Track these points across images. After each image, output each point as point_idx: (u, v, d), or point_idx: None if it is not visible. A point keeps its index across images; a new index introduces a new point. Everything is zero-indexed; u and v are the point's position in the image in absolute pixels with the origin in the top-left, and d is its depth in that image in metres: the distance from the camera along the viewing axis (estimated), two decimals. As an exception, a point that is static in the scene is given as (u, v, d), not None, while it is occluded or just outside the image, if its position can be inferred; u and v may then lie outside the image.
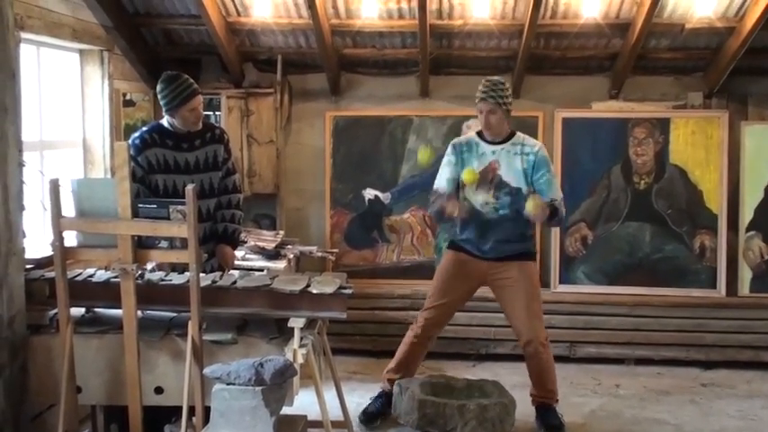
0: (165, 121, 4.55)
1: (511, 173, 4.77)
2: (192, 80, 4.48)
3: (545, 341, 4.83)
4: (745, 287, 6.39)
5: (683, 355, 6.26)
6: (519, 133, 4.90)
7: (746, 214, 6.41)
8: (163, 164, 4.50)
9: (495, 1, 5.93)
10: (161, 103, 4.49)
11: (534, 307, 4.82)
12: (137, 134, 4.59)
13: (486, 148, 4.82)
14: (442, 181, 4.87)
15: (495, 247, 4.80)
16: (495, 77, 4.81)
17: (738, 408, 5.47)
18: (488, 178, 4.76)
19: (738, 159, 6.43)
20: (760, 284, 6.38)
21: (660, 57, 6.51)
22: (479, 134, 4.90)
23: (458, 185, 4.82)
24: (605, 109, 6.62)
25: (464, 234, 4.88)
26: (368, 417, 4.99)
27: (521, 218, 4.74)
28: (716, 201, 6.43)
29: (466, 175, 4.67)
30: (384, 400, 5.01)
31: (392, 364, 5.03)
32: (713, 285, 6.40)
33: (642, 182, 6.51)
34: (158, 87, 4.47)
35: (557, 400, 4.95)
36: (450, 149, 4.90)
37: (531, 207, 4.56)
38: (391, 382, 4.94)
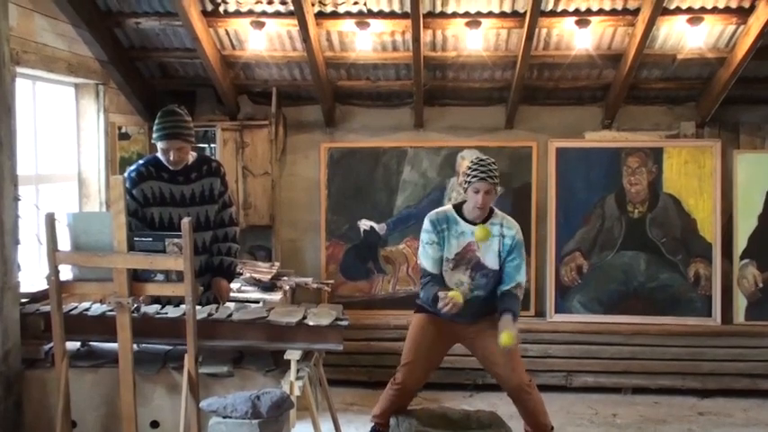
0: (159, 154, 4.56)
1: (489, 255, 4.63)
2: (180, 123, 4.44)
3: (530, 383, 4.75)
4: (740, 315, 6.40)
5: (679, 384, 6.25)
6: (497, 211, 4.74)
7: (740, 242, 6.43)
8: (158, 196, 4.50)
9: (488, 33, 5.99)
10: None
11: (512, 354, 4.74)
12: (133, 167, 4.61)
13: (465, 227, 4.63)
14: (429, 262, 4.65)
15: (466, 319, 4.73)
16: (486, 156, 4.68)
17: (736, 437, 5.46)
18: (466, 259, 4.63)
19: (731, 188, 6.46)
20: (755, 312, 6.38)
21: (652, 87, 6.57)
22: (457, 209, 4.71)
23: (442, 264, 4.67)
24: (599, 139, 6.66)
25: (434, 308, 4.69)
26: None
27: (493, 294, 4.67)
28: (710, 229, 6.46)
29: (479, 233, 4.54)
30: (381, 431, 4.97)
31: (377, 410, 4.89)
32: (708, 314, 6.41)
33: (636, 211, 6.53)
34: None
35: (552, 429, 4.92)
36: (429, 226, 4.65)
37: (506, 340, 4.40)
38: (380, 425, 4.88)
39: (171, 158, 4.46)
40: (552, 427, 4.91)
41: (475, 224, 4.63)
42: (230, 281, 4.83)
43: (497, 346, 4.59)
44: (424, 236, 4.70)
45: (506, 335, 4.36)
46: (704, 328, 6.35)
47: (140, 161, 4.68)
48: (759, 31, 5.60)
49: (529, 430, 4.87)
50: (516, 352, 4.73)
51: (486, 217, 4.66)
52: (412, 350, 4.75)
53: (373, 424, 4.97)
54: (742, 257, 6.43)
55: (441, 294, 4.41)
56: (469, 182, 4.57)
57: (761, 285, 6.41)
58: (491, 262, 4.63)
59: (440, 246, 4.63)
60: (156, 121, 4.46)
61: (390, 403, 4.83)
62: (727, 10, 5.71)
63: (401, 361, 4.81)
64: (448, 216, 4.67)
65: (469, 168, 4.59)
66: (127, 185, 4.17)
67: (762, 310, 6.38)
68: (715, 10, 5.71)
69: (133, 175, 4.49)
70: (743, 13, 5.70)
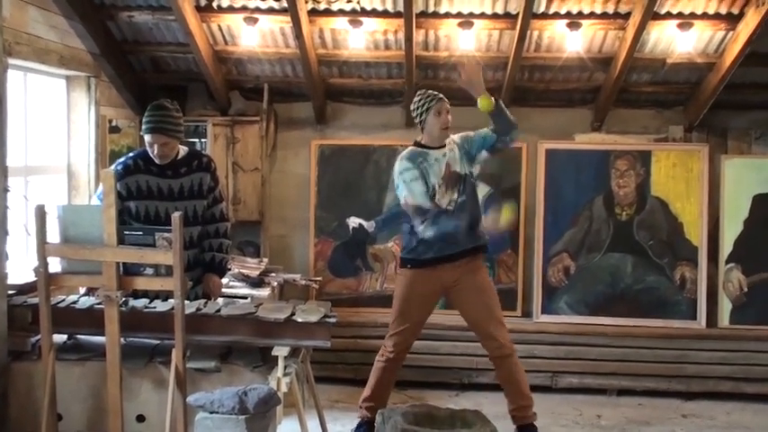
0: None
1: (458, 165, 4.85)
2: (166, 118, 4.42)
3: (509, 343, 4.86)
4: (725, 319, 6.45)
5: (664, 386, 6.28)
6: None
7: (726, 246, 6.48)
8: (145, 190, 4.49)
9: (480, 34, 6.01)
10: None
11: (496, 314, 4.88)
12: (121, 160, 4.60)
13: (435, 153, 4.88)
14: (422, 198, 4.81)
15: (459, 241, 4.83)
16: (423, 89, 5.00)
17: (718, 439, 5.50)
18: (451, 178, 4.83)
19: (718, 192, 6.50)
20: (740, 316, 6.43)
21: (642, 90, 6.61)
22: (419, 144, 4.95)
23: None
24: (588, 141, 6.69)
25: (427, 234, 4.83)
26: None
27: (473, 200, 4.91)
28: (696, 233, 6.50)
29: (483, 103, 4.73)
30: (365, 429, 4.99)
31: (367, 392, 5.00)
32: (694, 317, 6.45)
33: (624, 213, 6.57)
34: None
35: (535, 413, 4.94)
36: (408, 164, 4.86)
37: (482, 105, 4.73)
38: (369, 410, 4.93)
39: (155, 152, 4.45)
40: (535, 413, 4.94)
41: (438, 148, 4.89)
42: (222, 277, 4.83)
43: (485, 309, 4.78)
44: (406, 174, 4.88)
45: (482, 99, 4.71)
46: (689, 331, 6.38)
47: (129, 154, 4.68)
48: (747, 37, 5.65)
49: (513, 409, 4.92)
50: (498, 313, 4.89)
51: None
52: (403, 315, 4.90)
53: (359, 419, 5.00)
54: (727, 261, 6.48)
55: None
56: (428, 107, 4.87)
57: (746, 289, 6.45)
58: (462, 168, 4.87)
59: (423, 180, 4.83)
60: (145, 114, 4.45)
61: (381, 377, 4.91)
62: (716, 16, 5.75)
63: (391, 328, 4.91)
64: (417, 152, 4.92)
65: (420, 100, 4.91)
66: None
67: (746, 313, 6.43)
68: (705, 16, 5.75)
69: (120, 168, 4.47)
70: (732, 20, 5.75)
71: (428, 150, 4.89)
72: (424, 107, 4.86)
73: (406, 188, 4.86)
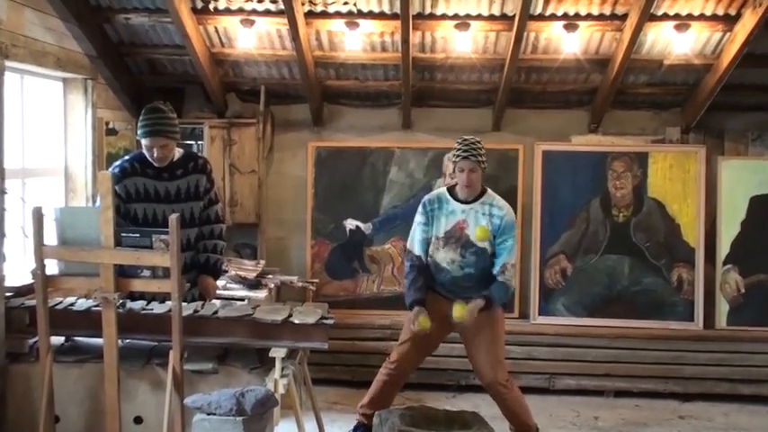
0: (144, 151, 4.55)
1: (478, 235, 4.73)
2: (163, 120, 4.43)
3: (506, 382, 4.81)
4: (722, 320, 6.45)
5: (661, 388, 6.29)
6: (489, 191, 4.86)
7: (723, 248, 6.48)
8: (143, 193, 4.49)
9: (477, 36, 6.01)
10: None
11: (495, 350, 4.81)
12: (117, 163, 4.60)
13: (455, 206, 4.79)
14: (414, 243, 4.84)
15: (463, 293, 4.81)
16: (472, 137, 4.78)
17: (716, 440, 5.51)
18: (456, 237, 4.74)
19: (715, 193, 6.51)
20: (737, 317, 6.44)
21: (639, 92, 6.62)
22: (450, 190, 4.87)
23: (428, 245, 4.81)
24: (585, 142, 6.69)
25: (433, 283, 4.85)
26: None
27: (485, 274, 4.77)
28: (693, 234, 6.50)
29: (458, 310, 4.60)
30: (363, 430, 4.99)
31: (366, 399, 4.98)
32: (691, 318, 6.45)
33: (621, 215, 6.57)
34: None
35: (537, 430, 4.96)
36: (420, 207, 4.86)
37: (457, 313, 4.59)
38: (366, 417, 4.92)
39: (155, 155, 4.46)
40: (537, 429, 4.95)
41: (466, 203, 4.78)
42: (217, 278, 4.83)
43: (483, 345, 4.68)
44: (416, 216, 4.90)
45: (458, 307, 4.57)
46: (686, 333, 6.39)
47: (126, 157, 4.68)
48: (745, 38, 5.65)
49: (513, 429, 4.91)
50: (497, 352, 4.79)
51: (478, 196, 4.80)
52: (410, 330, 4.81)
53: (357, 422, 5.00)
54: (725, 263, 6.48)
55: (412, 316, 4.66)
56: (455, 161, 4.74)
57: (743, 291, 6.45)
58: (485, 244, 4.73)
59: (427, 227, 4.80)
60: (141, 118, 4.46)
61: (381, 388, 4.89)
62: (713, 17, 5.75)
63: (400, 339, 4.89)
64: (440, 197, 4.86)
65: (455, 148, 4.75)
66: None
67: (743, 315, 6.43)
68: (702, 17, 5.75)
69: (116, 171, 4.48)
70: (729, 21, 5.75)
71: (451, 200, 4.81)
72: (454, 158, 4.75)
73: (413, 229, 4.90)
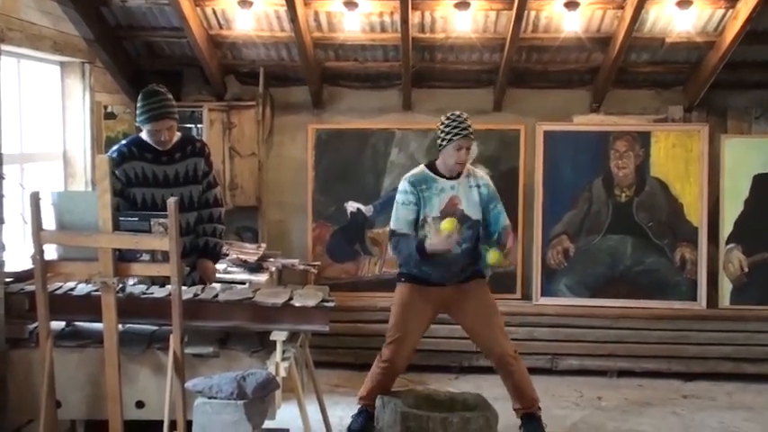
0: (144, 135, 4.52)
1: (471, 206, 4.74)
2: (166, 102, 4.41)
3: (514, 353, 4.83)
4: (725, 299, 6.43)
5: (664, 367, 6.28)
6: (468, 165, 4.86)
7: (726, 227, 6.46)
8: (141, 177, 4.47)
9: (476, 15, 5.96)
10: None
11: (496, 321, 4.83)
12: (115, 147, 4.57)
13: (443, 183, 4.74)
14: (402, 223, 4.73)
15: (454, 277, 4.78)
16: (458, 112, 4.73)
17: (720, 419, 5.49)
18: (450, 213, 4.68)
19: (718, 172, 6.47)
20: (740, 296, 6.42)
21: (641, 71, 6.57)
22: (430, 167, 4.81)
23: (416, 224, 4.74)
24: (586, 122, 6.65)
25: (422, 268, 4.77)
26: None
27: (475, 248, 4.78)
28: (696, 214, 6.47)
29: (446, 225, 4.55)
30: (366, 415, 4.98)
31: (363, 391, 4.94)
32: (694, 297, 6.44)
33: (623, 194, 6.54)
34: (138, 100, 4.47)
35: (539, 408, 4.95)
36: (407, 187, 4.73)
37: (492, 258, 4.59)
38: (366, 406, 4.92)
39: (162, 139, 4.43)
40: (540, 408, 4.95)
41: (452, 178, 4.75)
42: (216, 262, 4.81)
43: (482, 319, 4.67)
44: (399, 197, 4.78)
45: (493, 253, 4.57)
46: (689, 312, 6.37)
47: (123, 141, 4.65)
48: (747, 15, 5.60)
49: (518, 407, 4.92)
50: (500, 323, 4.82)
51: (459, 171, 4.80)
52: (399, 325, 4.82)
53: (360, 405, 4.99)
54: (728, 242, 6.46)
55: (433, 240, 4.54)
56: (450, 139, 4.66)
57: (746, 270, 6.44)
58: (474, 213, 4.76)
59: (416, 207, 4.72)
60: (141, 104, 4.41)
61: (377, 382, 4.87)
62: (716, -6, 5.71)
63: (387, 337, 4.86)
64: (425, 176, 4.78)
65: (447, 126, 4.69)
66: None
67: (747, 294, 6.42)
68: (704, -7, 5.71)
69: (115, 155, 4.45)
70: (731, -3, 5.71)
71: (437, 178, 4.76)
72: (448, 135, 4.66)
73: (394, 208, 4.79)
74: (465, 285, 4.83)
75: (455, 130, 4.65)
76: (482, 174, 4.94)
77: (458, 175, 4.78)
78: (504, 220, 4.79)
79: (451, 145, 4.67)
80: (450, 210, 4.71)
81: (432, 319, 4.96)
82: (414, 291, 4.82)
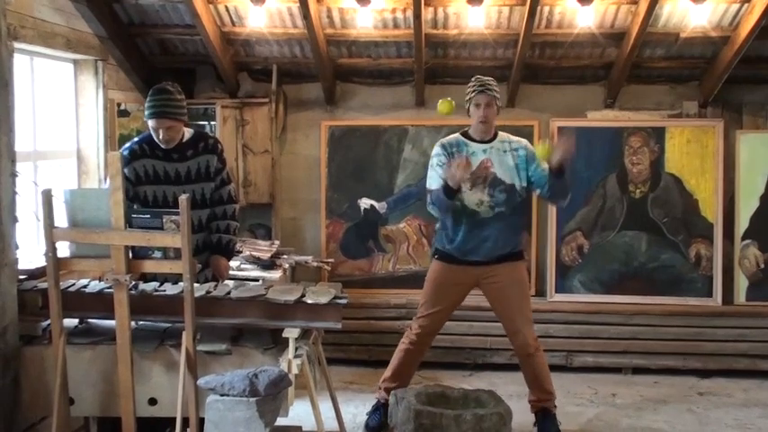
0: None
1: (504, 170, 4.75)
2: (169, 102, 4.39)
3: (535, 342, 4.85)
4: (741, 296, 6.39)
5: (679, 364, 6.24)
6: (501, 132, 4.89)
7: (742, 223, 6.41)
8: (152, 175, 4.47)
9: (490, 11, 5.94)
10: None
11: (525, 311, 4.85)
12: (126, 145, 4.58)
13: (475, 147, 4.79)
14: (435, 181, 4.73)
15: (488, 252, 4.78)
16: (480, 76, 4.82)
17: (735, 417, 5.45)
18: (482, 176, 4.71)
19: (733, 168, 6.43)
20: (756, 293, 6.37)
21: (655, 66, 6.53)
22: (464, 135, 4.86)
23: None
24: (601, 118, 6.61)
25: (456, 239, 4.79)
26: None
27: (515, 214, 4.81)
28: (711, 209, 6.43)
29: (441, 105, 4.65)
30: (382, 411, 4.98)
31: (387, 372, 5.01)
32: (709, 294, 6.40)
33: (638, 191, 6.50)
34: None
35: (555, 406, 4.94)
36: (439, 150, 4.80)
37: (541, 151, 4.58)
38: (387, 391, 4.92)
39: (160, 137, 4.43)
40: (556, 405, 4.94)
41: (484, 142, 4.79)
42: (229, 259, 4.80)
43: (513, 305, 4.78)
44: (434, 159, 4.83)
45: (542, 146, 4.57)
46: (705, 309, 6.34)
47: (135, 139, 4.65)
48: (763, 9, 5.55)
49: (534, 400, 4.92)
50: (527, 310, 4.85)
51: (494, 136, 4.83)
52: (431, 300, 4.89)
53: (376, 400, 5.00)
54: (743, 238, 6.41)
55: (446, 171, 4.54)
56: (470, 98, 4.75)
57: (762, 266, 6.39)
58: (508, 176, 4.75)
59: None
60: (147, 100, 4.43)
61: (403, 358, 4.91)
62: (731, -12, 5.67)
63: (419, 310, 4.90)
64: (458, 140, 4.85)
65: (469, 87, 4.77)
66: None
67: (763, 290, 6.37)
68: (719, -12, 5.67)
69: (125, 153, 4.46)
70: (747, -8, 5.66)
71: (469, 142, 4.81)
72: (468, 96, 4.77)
73: (430, 170, 4.82)
74: (499, 267, 4.81)
75: (472, 87, 4.74)
76: (519, 139, 4.89)
77: (492, 140, 4.80)
78: None
79: (472, 104, 4.76)
80: (481, 172, 4.71)
81: (463, 297, 4.98)
82: (446, 269, 4.86)
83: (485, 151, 4.78)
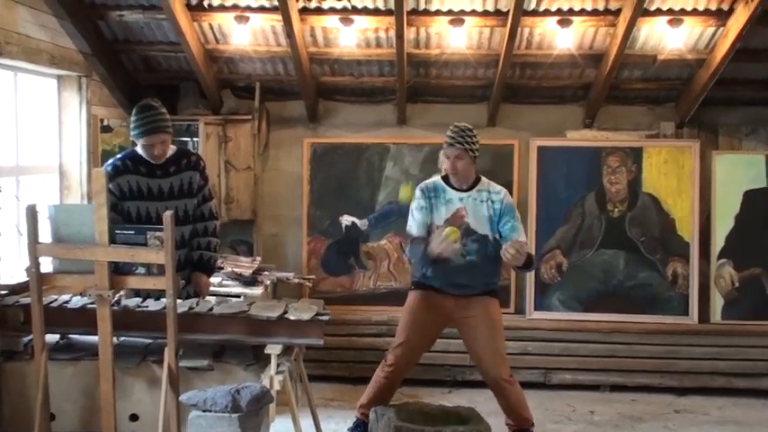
0: (139, 149, 4.54)
1: (477, 220, 4.76)
2: (159, 116, 4.43)
3: (509, 378, 4.82)
4: (716, 314, 6.47)
5: (656, 382, 6.30)
6: (483, 179, 4.88)
7: (718, 242, 6.50)
8: (136, 191, 4.49)
9: (471, 31, 6.01)
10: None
11: (497, 346, 4.81)
12: (109, 162, 4.59)
13: (452, 194, 4.80)
14: (416, 226, 4.78)
15: (457, 289, 4.81)
16: (464, 124, 4.80)
17: (711, 434, 5.52)
18: (456, 225, 4.70)
19: (709, 188, 6.52)
20: (731, 311, 6.46)
21: (633, 87, 6.62)
22: (445, 179, 4.87)
23: (428, 231, 4.77)
24: (579, 138, 6.70)
25: (432, 274, 4.82)
26: None
27: (487, 262, 4.78)
28: (688, 229, 6.51)
29: (447, 231, 4.56)
30: (362, 428, 4.98)
31: (364, 399, 4.96)
32: (686, 312, 6.47)
33: (616, 210, 6.58)
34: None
35: (532, 424, 4.97)
36: (419, 194, 4.83)
37: (453, 236, 4.51)
38: (365, 416, 4.92)
39: (155, 153, 4.45)
40: (533, 423, 4.96)
41: (461, 190, 4.79)
42: (210, 275, 4.82)
43: (484, 341, 4.71)
44: (413, 204, 4.87)
45: (452, 231, 4.48)
46: (681, 327, 6.41)
47: (118, 155, 4.67)
48: (737, 33, 5.66)
49: (510, 424, 4.93)
50: (500, 346, 4.83)
51: (473, 184, 4.83)
52: (407, 329, 4.84)
53: (356, 418, 5.00)
54: (719, 257, 6.50)
55: (432, 243, 4.50)
56: (444, 149, 4.78)
57: (737, 285, 6.47)
58: (480, 227, 4.76)
59: (428, 210, 4.78)
60: (134, 118, 4.43)
61: (379, 388, 4.88)
62: (706, 12, 5.77)
63: (395, 341, 4.88)
64: (436, 185, 4.85)
65: (446, 134, 4.78)
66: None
67: (738, 309, 6.46)
68: (695, 12, 5.77)
69: (109, 169, 4.45)
70: (722, 16, 5.76)
71: (447, 188, 4.82)
72: (444, 145, 4.78)
73: (409, 217, 4.86)
74: (473, 301, 4.81)
75: (445, 139, 4.76)
76: (499, 189, 4.87)
77: (470, 188, 4.82)
78: (519, 236, 4.71)
79: (442, 154, 4.82)
80: (455, 221, 4.73)
81: (439, 329, 4.97)
82: (423, 299, 4.85)
83: (461, 199, 4.78)
